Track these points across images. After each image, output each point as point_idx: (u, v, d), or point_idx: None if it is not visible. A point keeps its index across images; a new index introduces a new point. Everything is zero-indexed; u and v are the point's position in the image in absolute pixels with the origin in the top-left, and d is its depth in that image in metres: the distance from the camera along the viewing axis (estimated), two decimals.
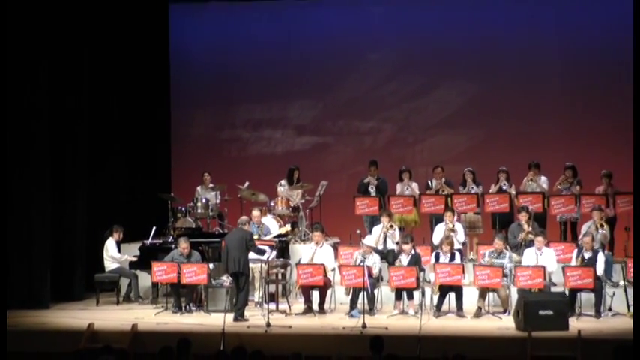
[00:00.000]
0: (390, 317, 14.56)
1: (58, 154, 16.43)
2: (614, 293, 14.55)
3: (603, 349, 11.64)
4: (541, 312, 13.38)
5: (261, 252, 15.00)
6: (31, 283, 15.84)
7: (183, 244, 15.32)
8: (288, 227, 16.65)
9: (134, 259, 16.18)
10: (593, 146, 18.04)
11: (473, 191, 16.71)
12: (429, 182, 17.20)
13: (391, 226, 15.84)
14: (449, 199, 16.37)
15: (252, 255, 14.79)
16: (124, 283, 16.38)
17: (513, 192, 16.57)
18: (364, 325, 13.55)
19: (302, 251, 16.01)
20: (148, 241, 16.44)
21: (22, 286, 15.81)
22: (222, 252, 14.82)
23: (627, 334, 13.02)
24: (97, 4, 17.02)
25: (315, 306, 14.99)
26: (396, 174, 17.29)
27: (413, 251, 15.01)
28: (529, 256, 14.83)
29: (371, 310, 14.57)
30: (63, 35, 16.34)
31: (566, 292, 14.21)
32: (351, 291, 14.75)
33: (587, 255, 14.56)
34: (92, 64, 17.14)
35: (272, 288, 15.36)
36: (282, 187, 17.56)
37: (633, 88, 17.01)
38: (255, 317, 14.41)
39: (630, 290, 14.46)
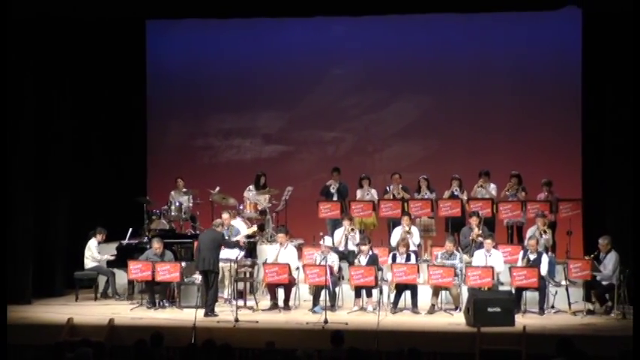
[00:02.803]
0: (350, 313, 14.48)
1: (42, 158, 16.18)
2: (556, 292, 14.57)
3: (546, 344, 11.60)
4: (489, 309, 13.39)
5: (237, 244, 15.12)
6: (15, 280, 15.57)
7: (157, 244, 15.20)
8: (254, 228, 16.50)
9: (112, 258, 16.00)
10: (537, 155, 18.00)
11: (427, 197, 16.61)
12: (387, 188, 17.11)
13: (352, 230, 15.80)
14: (405, 203, 16.28)
15: (222, 255, 14.67)
16: (102, 280, 16.18)
17: (465, 198, 16.51)
18: (326, 321, 13.49)
19: (269, 252, 15.92)
20: (125, 242, 16.26)
21: (5, 282, 15.53)
22: (195, 251, 14.69)
23: (568, 329, 13.25)
24: (79, 24, 16.70)
25: (281, 302, 14.90)
26: (357, 180, 17.20)
27: (370, 252, 14.95)
28: (479, 257, 14.80)
29: (332, 306, 14.50)
30: (48, 49, 16.17)
31: (513, 291, 14.20)
32: (314, 289, 14.68)
33: (532, 257, 14.53)
34: (75, 77, 16.97)
35: (240, 286, 15.24)
36: (250, 192, 17.42)
37: (582, 105, 17.18)
38: (225, 313, 14.30)
39: (571, 289, 14.56)
